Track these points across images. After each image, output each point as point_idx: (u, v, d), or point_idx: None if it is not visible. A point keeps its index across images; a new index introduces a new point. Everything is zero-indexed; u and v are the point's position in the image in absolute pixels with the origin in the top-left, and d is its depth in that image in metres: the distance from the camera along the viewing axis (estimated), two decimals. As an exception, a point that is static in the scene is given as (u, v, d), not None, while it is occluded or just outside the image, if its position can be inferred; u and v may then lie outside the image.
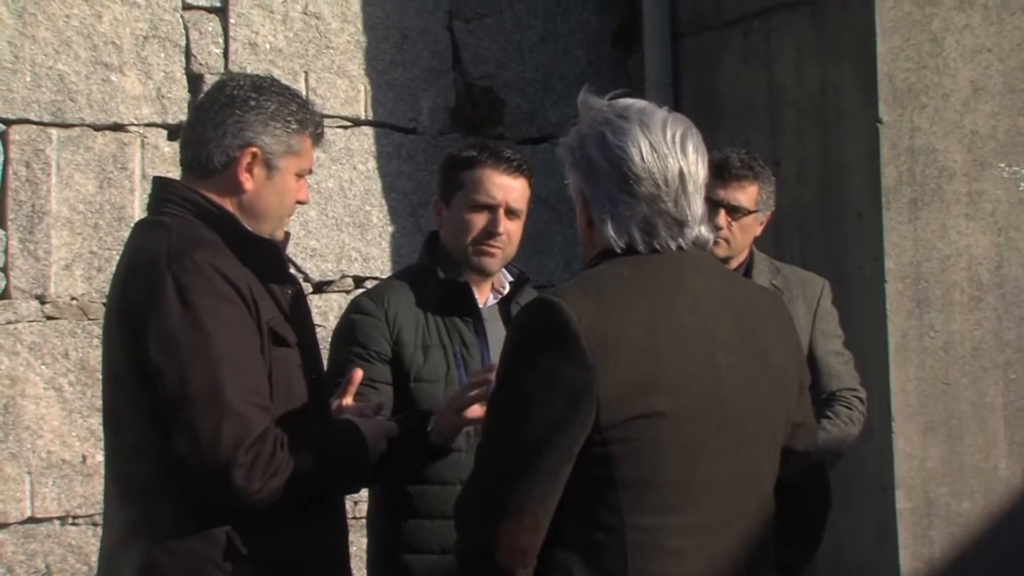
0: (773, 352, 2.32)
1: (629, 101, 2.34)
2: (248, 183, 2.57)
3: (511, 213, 3.23)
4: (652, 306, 2.21)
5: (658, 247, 2.25)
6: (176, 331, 2.38)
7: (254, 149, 2.56)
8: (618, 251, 2.25)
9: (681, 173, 2.25)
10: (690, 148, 2.28)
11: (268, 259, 2.58)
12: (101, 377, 2.68)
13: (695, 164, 2.28)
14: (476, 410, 2.80)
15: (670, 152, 2.25)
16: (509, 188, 3.22)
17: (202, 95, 2.66)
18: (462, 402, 2.83)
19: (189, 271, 2.41)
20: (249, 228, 2.58)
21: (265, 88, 2.60)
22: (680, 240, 2.26)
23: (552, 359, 2.14)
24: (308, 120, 2.62)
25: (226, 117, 2.55)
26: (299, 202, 2.67)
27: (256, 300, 2.48)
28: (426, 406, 3.09)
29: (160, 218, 2.56)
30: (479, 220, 3.21)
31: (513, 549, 2.16)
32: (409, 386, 3.17)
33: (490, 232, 3.21)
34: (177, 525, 2.44)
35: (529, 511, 2.16)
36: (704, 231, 2.29)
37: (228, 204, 2.58)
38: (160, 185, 2.65)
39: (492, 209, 3.21)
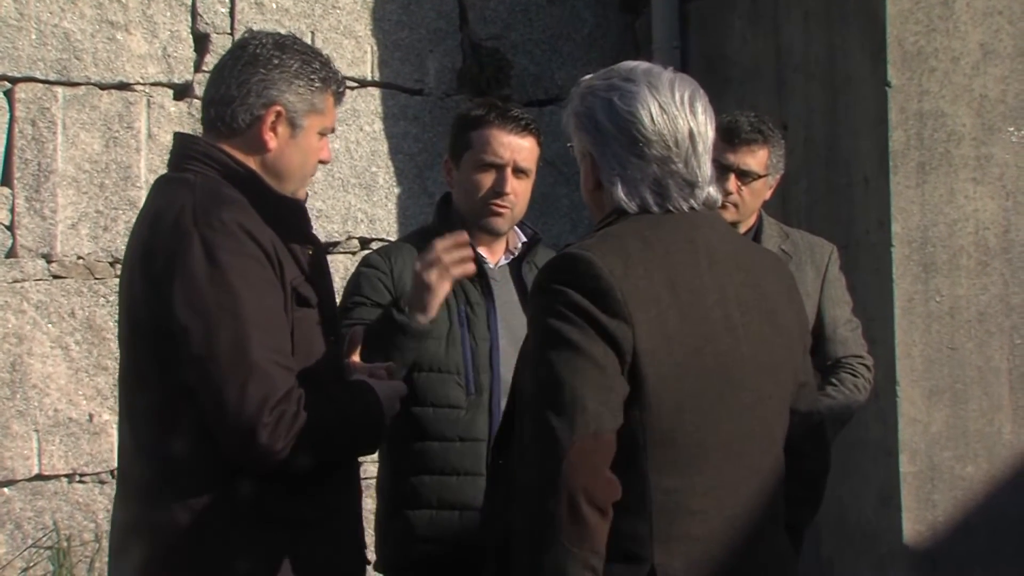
0: (781, 313, 2.33)
1: (633, 64, 2.33)
2: (272, 142, 2.57)
3: (519, 172, 3.24)
4: (673, 264, 2.21)
5: (671, 208, 2.26)
6: (203, 290, 2.38)
7: (278, 107, 2.55)
8: (630, 212, 2.25)
9: (691, 133, 2.26)
10: (699, 108, 2.28)
11: (291, 219, 2.58)
12: (118, 334, 2.67)
13: (704, 124, 2.28)
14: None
15: (679, 113, 2.25)
16: (517, 147, 3.23)
17: (224, 54, 2.64)
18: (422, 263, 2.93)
19: (217, 229, 2.40)
20: (273, 187, 2.58)
21: (288, 46, 2.59)
22: (692, 201, 2.27)
23: (589, 311, 2.13)
24: (331, 78, 2.61)
25: (250, 76, 2.54)
26: (322, 161, 2.67)
27: (280, 260, 2.48)
28: (427, 363, 3.13)
29: (183, 175, 2.54)
30: (487, 179, 3.22)
31: (591, 467, 2.08)
32: None
33: (497, 191, 3.21)
34: (197, 484, 2.44)
35: (592, 430, 2.07)
36: (713, 191, 2.30)
37: (252, 163, 2.57)
38: (182, 141, 2.63)
39: (500, 168, 3.22)
